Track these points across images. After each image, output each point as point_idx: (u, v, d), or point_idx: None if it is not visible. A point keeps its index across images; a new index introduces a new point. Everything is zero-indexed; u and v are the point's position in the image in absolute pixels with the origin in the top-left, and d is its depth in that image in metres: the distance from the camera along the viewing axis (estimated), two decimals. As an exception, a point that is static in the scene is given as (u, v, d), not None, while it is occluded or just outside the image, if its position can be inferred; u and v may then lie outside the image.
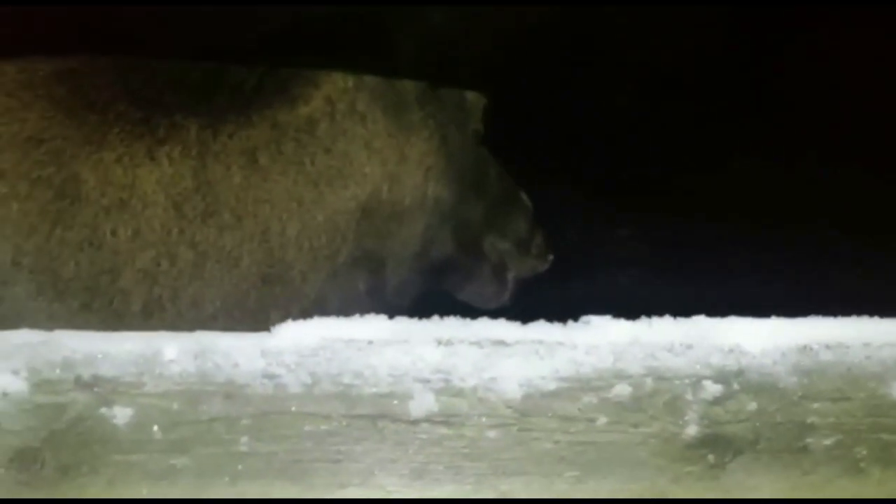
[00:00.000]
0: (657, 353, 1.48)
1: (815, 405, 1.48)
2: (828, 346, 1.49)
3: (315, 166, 2.50)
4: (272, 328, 1.49)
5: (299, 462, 1.45)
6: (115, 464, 1.43)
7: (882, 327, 1.51)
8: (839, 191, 3.36)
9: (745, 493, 1.49)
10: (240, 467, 1.44)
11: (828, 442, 1.49)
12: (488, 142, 2.82)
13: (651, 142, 3.50)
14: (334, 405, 1.45)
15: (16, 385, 1.41)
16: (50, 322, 2.04)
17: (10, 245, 2.27)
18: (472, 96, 2.75)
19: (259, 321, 2.35)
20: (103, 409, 1.42)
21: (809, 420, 1.49)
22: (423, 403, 1.46)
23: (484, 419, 1.46)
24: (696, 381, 1.47)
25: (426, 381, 1.46)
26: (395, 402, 1.46)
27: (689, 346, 1.48)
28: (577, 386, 1.47)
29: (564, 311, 1.56)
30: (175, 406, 1.43)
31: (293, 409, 1.45)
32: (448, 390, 1.46)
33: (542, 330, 1.50)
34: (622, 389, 1.47)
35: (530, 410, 1.47)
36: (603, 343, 1.48)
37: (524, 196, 2.88)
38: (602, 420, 1.47)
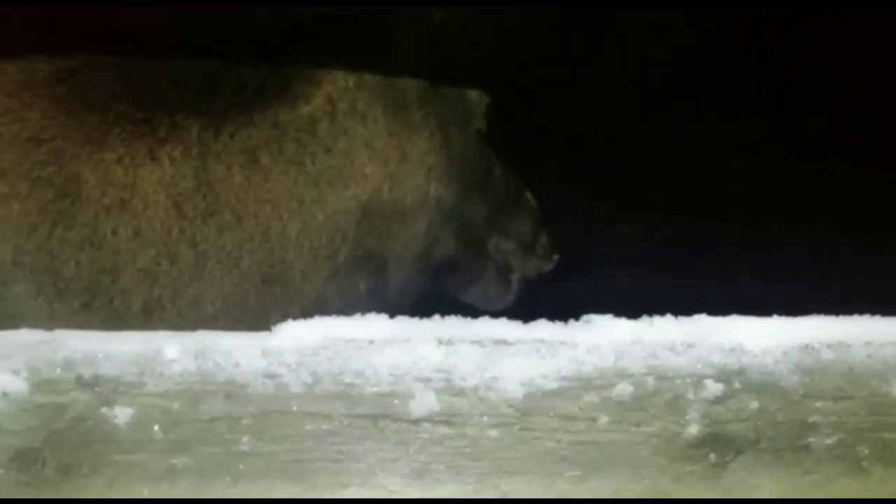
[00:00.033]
0: (659, 352, 1.48)
1: (817, 404, 1.48)
2: (829, 345, 1.49)
3: (316, 166, 2.50)
4: (273, 327, 1.48)
5: (300, 462, 1.45)
6: (115, 464, 1.42)
7: (884, 326, 1.51)
8: (840, 190, 3.36)
9: (747, 492, 1.49)
10: (241, 467, 1.44)
11: (830, 441, 1.49)
12: (490, 141, 2.81)
13: (652, 141, 3.50)
14: (335, 405, 1.45)
15: (16, 385, 1.41)
16: (50, 322, 2.03)
17: (10, 244, 2.27)
18: (474, 95, 2.75)
19: (259, 321, 2.35)
20: (104, 409, 1.42)
21: (811, 419, 1.48)
22: (425, 403, 1.45)
23: (485, 418, 1.46)
24: (698, 381, 1.47)
25: (427, 381, 1.46)
26: (397, 401, 1.45)
27: (691, 345, 1.48)
28: (579, 385, 1.47)
29: (566, 310, 1.56)
30: (176, 406, 1.43)
31: (294, 408, 1.44)
32: (449, 390, 1.46)
33: (543, 329, 1.49)
34: (624, 388, 1.47)
35: (532, 410, 1.46)
36: (604, 342, 1.48)
37: (529, 196, 2.87)
38: (604, 419, 1.47)
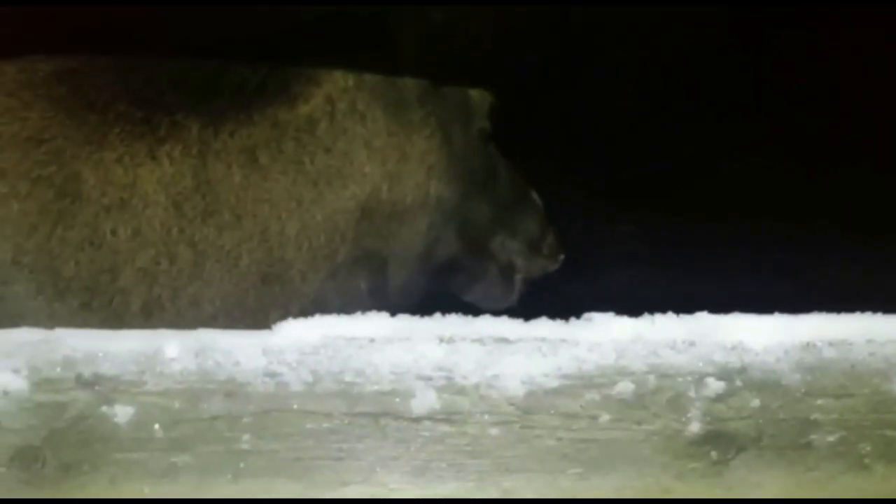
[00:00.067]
0: (660, 350, 1.48)
1: (819, 402, 1.48)
2: (831, 343, 1.49)
3: (315, 166, 2.50)
4: (273, 326, 1.48)
5: (301, 460, 1.45)
6: (116, 462, 1.42)
7: (885, 324, 1.51)
8: (841, 188, 3.36)
9: (749, 489, 1.49)
10: (241, 465, 1.44)
11: (831, 438, 1.49)
12: (495, 141, 2.80)
13: (654, 139, 3.50)
14: (336, 403, 1.45)
15: (16, 384, 1.41)
16: (50, 321, 2.03)
17: (10, 244, 2.26)
18: (477, 94, 2.74)
19: (258, 321, 2.34)
20: (104, 408, 1.42)
21: (813, 417, 1.48)
22: (425, 401, 1.45)
23: (486, 417, 1.46)
24: (699, 378, 1.47)
25: (428, 379, 1.46)
26: (397, 399, 1.45)
27: (692, 343, 1.48)
28: (580, 383, 1.47)
29: (567, 308, 1.56)
30: (176, 404, 1.43)
31: (295, 407, 1.44)
32: (450, 388, 1.46)
33: (544, 327, 1.49)
34: (625, 387, 1.47)
35: (533, 408, 1.46)
36: (605, 340, 1.48)
37: (535, 195, 2.86)
38: (605, 417, 1.47)
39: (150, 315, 2.38)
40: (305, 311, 1.53)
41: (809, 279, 2.75)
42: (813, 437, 1.49)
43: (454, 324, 1.49)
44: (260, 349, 1.45)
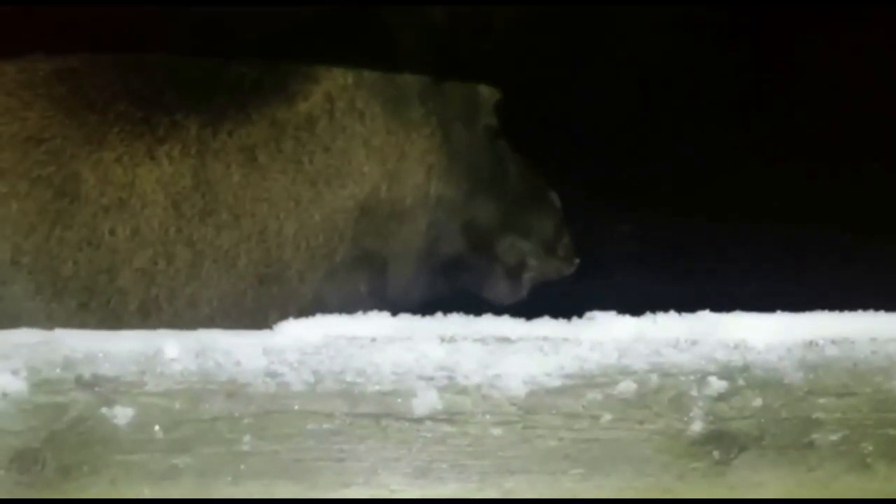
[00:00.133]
0: (662, 349, 1.47)
1: (821, 401, 1.48)
2: (833, 342, 1.48)
3: (313, 165, 2.49)
4: (274, 326, 1.48)
5: (302, 461, 1.44)
6: (116, 464, 1.42)
7: (888, 322, 1.50)
8: (844, 186, 3.36)
9: (751, 489, 1.48)
10: (242, 467, 1.43)
11: (834, 437, 1.48)
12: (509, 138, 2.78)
13: (656, 138, 3.50)
14: (337, 403, 1.44)
15: (15, 385, 1.40)
16: (48, 321, 2.03)
17: (9, 244, 2.26)
18: (484, 91, 2.73)
19: (257, 321, 2.34)
20: (104, 409, 1.41)
21: (815, 416, 1.48)
22: (427, 401, 1.45)
23: (488, 417, 1.46)
24: (701, 378, 1.47)
25: (430, 379, 1.45)
26: (399, 399, 1.45)
27: (694, 342, 1.48)
28: (582, 383, 1.46)
29: (569, 307, 1.56)
30: (177, 405, 1.42)
31: (296, 407, 1.44)
32: (452, 388, 1.45)
33: (546, 326, 1.49)
34: (627, 386, 1.46)
35: (534, 408, 1.46)
36: (607, 339, 1.47)
37: (553, 195, 2.84)
38: (607, 417, 1.46)
39: (148, 315, 2.37)
40: (304, 312, 1.53)
41: (811, 277, 2.75)
42: (815, 436, 1.48)
43: (456, 323, 1.49)
44: (261, 349, 1.44)
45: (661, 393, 1.46)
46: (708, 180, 3.47)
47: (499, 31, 2.70)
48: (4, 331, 1.44)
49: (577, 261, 2.83)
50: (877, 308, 1.53)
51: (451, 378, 1.45)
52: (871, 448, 1.48)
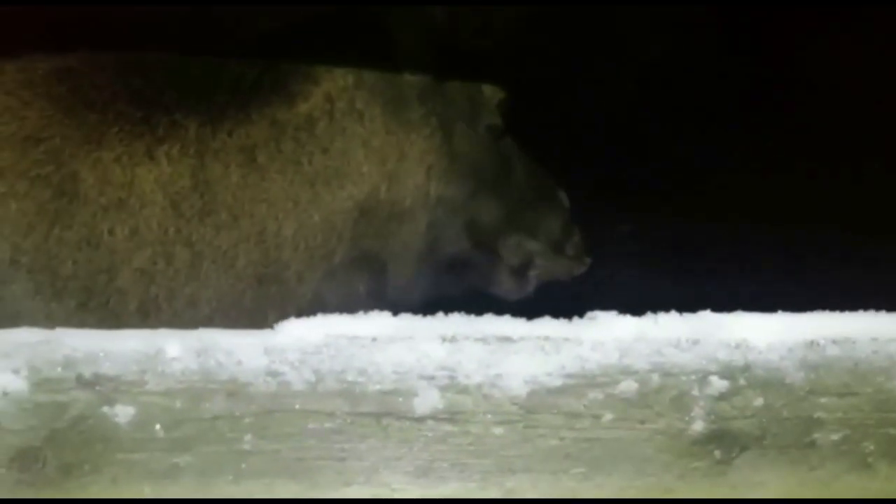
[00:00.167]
0: (663, 348, 1.47)
1: (822, 400, 1.48)
2: (835, 341, 1.49)
3: (312, 166, 2.49)
4: (275, 325, 1.47)
5: (303, 460, 1.44)
6: (117, 463, 1.42)
7: (889, 322, 1.51)
8: (845, 186, 3.36)
9: (752, 489, 1.48)
10: (243, 466, 1.43)
11: (835, 437, 1.48)
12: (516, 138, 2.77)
13: (657, 138, 3.50)
14: (338, 403, 1.44)
15: (16, 384, 1.40)
16: (47, 321, 2.02)
17: (8, 244, 2.25)
18: (487, 90, 2.72)
19: (255, 321, 2.33)
20: (105, 408, 1.41)
21: (816, 415, 1.48)
22: (428, 400, 1.45)
23: (489, 416, 1.46)
24: (703, 377, 1.47)
25: (431, 378, 1.45)
26: (400, 399, 1.45)
27: (696, 342, 1.48)
28: (583, 382, 1.46)
29: (570, 307, 1.56)
30: (177, 404, 1.42)
31: (297, 406, 1.44)
32: (453, 387, 1.45)
33: (547, 326, 1.49)
34: (628, 385, 1.46)
35: (536, 407, 1.46)
36: (609, 339, 1.48)
37: (562, 195, 2.82)
38: (608, 416, 1.47)
39: (147, 315, 2.37)
40: (303, 312, 1.53)
41: (812, 277, 2.75)
42: (816, 435, 1.49)
43: (457, 323, 1.49)
44: (262, 348, 1.44)
45: (663, 392, 1.47)
46: (708, 180, 3.47)
47: (497, 32, 2.70)
48: (5, 330, 1.44)
49: (589, 260, 2.80)
50: (878, 308, 1.53)
51: (452, 377, 1.45)
52: (872, 448, 1.49)
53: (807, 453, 1.48)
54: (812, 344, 1.48)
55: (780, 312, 1.51)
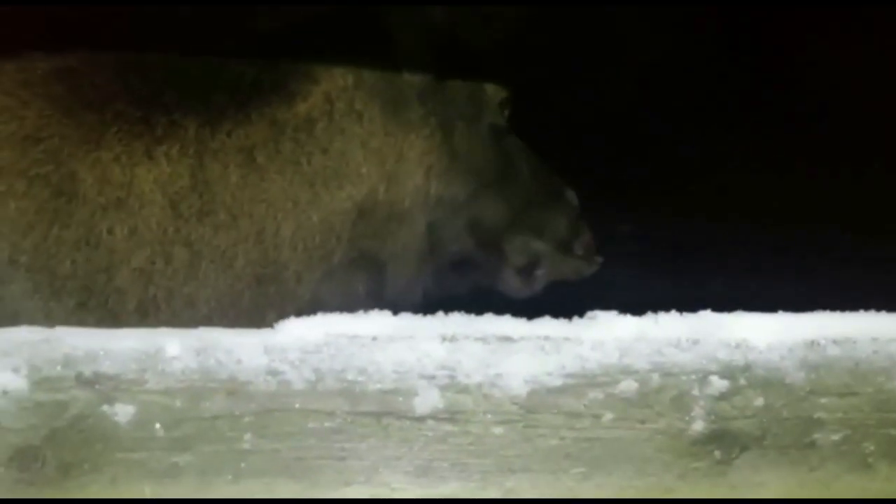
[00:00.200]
0: (663, 348, 1.47)
1: (823, 400, 1.48)
2: (835, 341, 1.49)
3: (311, 166, 2.49)
4: (276, 325, 1.47)
5: (303, 459, 1.44)
6: (116, 462, 1.41)
7: (890, 322, 1.51)
8: (845, 186, 3.36)
9: (752, 489, 1.48)
10: (243, 465, 1.43)
11: (835, 437, 1.48)
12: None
13: (657, 138, 3.50)
14: (338, 402, 1.44)
15: (16, 383, 1.40)
16: (46, 320, 2.01)
17: (7, 243, 2.25)
18: (489, 89, 2.71)
19: (254, 321, 2.33)
20: (105, 407, 1.41)
21: (817, 415, 1.48)
22: (428, 400, 1.45)
23: (489, 416, 1.46)
24: (703, 377, 1.47)
25: (431, 378, 1.45)
26: (400, 398, 1.45)
27: (696, 342, 1.48)
28: (583, 382, 1.46)
29: (570, 307, 1.56)
30: (177, 403, 1.42)
31: (297, 405, 1.44)
32: (453, 387, 1.45)
33: (547, 326, 1.49)
34: (628, 385, 1.46)
35: (536, 407, 1.46)
36: (609, 339, 1.48)
37: (570, 193, 2.81)
38: (608, 416, 1.47)
39: (146, 315, 2.37)
40: (301, 313, 1.53)
41: (813, 277, 2.75)
42: (817, 436, 1.49)
43: (457, 322, 1.49)
44: (262, 348, 1.44)
45: (663, 392, 1.47)
46: (708, 180, 3.47)
47: (496, 31, 2.69)
48: (5, 329, 1.44)
49: (600, 260, 2.78)
50: (878, 308, 1.53)
51: (452, 377, 1.45)
52: (872, 448, 1.49)
53: (807, 453, 1.48)
54: (812, 344, 1.48)
55: (780, 312, 1.52)
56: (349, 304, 2.42)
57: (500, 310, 1.51)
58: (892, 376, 1.48)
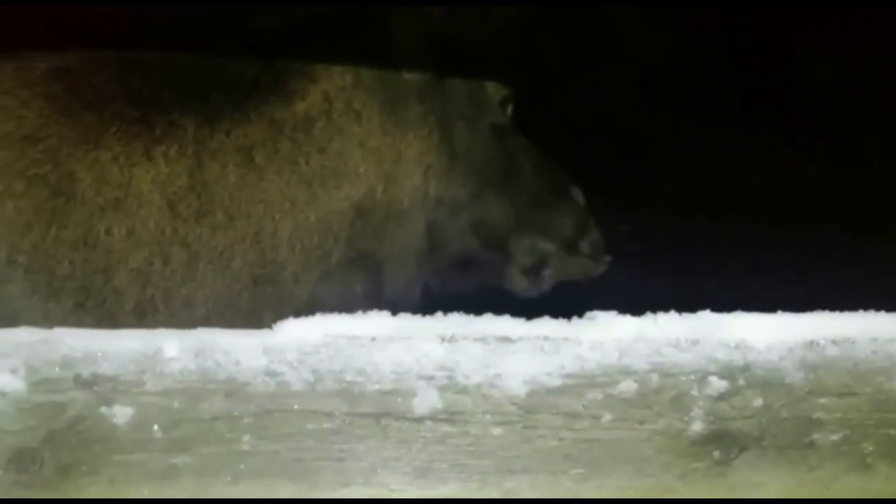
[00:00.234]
0: (663, 349, 1.47)
1: (822, 401, 1.48)
2: (834, 342, 1.48)
3: (309, 166, 2.48)
4: (274, 325, 1.47)
5: (302, 461, 1.44)
6: (115, 463, 1.41)
7: (889, 322, 1.51)
8: (844, 185, 3.36)
9: (751, 489, 1.48)
10: (242, 466, 1.43)
11: (834, 437, 1.48)
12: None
13: (656, 138, 3.50)
14: (337, 403, 1.44)
15: (14, 384, 1.40)
16: (44, 321, 2.01)
17: (5, 243, 2.25)
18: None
19: (252, 322, 2.33)
20: (103, 408, 1.41)
21: (816, 416, 1.48)
22: (427, 401, 1.44)
23: (488, 416, 1.45)
24: (702, 377, 1.47)
25: (430, 379, 1.45)
26: (399, 399, 1.44)
27: (695, 342, 1.47)
28: (583, 382, 1.46)
29: (569, 307, 1.55)
30: (176, 404, 1.42)
31: (295, 406, 1.43)
32: (452, 387, 1.45)
33: (546, 326, 1.49)
34: (627, 386, 1.46)
35: (535, 407, 1.46)
36: (608, 339, 1.47)
37: (576, 192, 2.81)
38: (607, 417, 1.46)
39: (144, 315, 2.37)
40: (299, 313, 1.52)
41: (812, 277, 2.75)
42: (816, 436, 1.48)
43: (456, 323, 1.49)
44: (260, 348, 1.44)
45: (662, 393, 1.46)
46: (708, 180, 3.47)
47: (495, 31, 2.69)
48: (3, 329, 1.44)
49: (609, 259, 2.77)
50: (877, 308, 1.53)
51: (451, 377, 1.45)
52: (871, 448, 1.48)
53: (806, 454, 1.48)
54: (812, 344, 1.48)
55: (779, 312, 1.51)
56: (347, 305, 2.42)
57: (498, 310, 1.51)
58: (892, 376, 1.48)
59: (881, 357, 1.48)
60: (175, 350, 1.43)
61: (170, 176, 2.36)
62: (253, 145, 2.42)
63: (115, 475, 1.41)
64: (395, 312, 1.50)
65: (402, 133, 2.56)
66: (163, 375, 1.42)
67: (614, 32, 3.45)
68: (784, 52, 3.55)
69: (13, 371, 1.40)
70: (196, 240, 2.39)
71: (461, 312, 1.50)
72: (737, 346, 1.47)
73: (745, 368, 1.47)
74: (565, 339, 1.46)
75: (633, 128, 3.50)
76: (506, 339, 1.46)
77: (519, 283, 2.74)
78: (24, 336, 1.43)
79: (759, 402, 1.47)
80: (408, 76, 2.56)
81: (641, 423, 1.47)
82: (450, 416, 1.45)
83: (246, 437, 1.42)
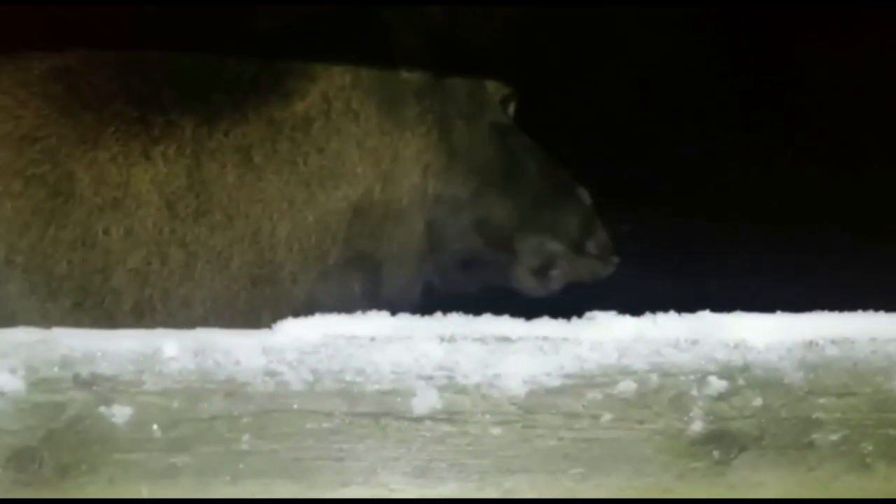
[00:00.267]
0: (662, 349, 1.47)
1: (821, 400, 1.48)
2: (834, 342, 1.48)
3: (308, 166, 2.48)
4: (273, 325, 1.47)
5: (301, 460, 1.44)
6: (114, 463, 1.41)
7: (889, 322, 1.51)
8: (844, 186, 3.36)
9: (751, 489, 1.48)
10: (241, 466, 1.43)
11: (834, 437, 1.48)
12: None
13: (656, 138, 3.50)
14: (336, 403, 1.44)
15: (13, 384, 1.40)
16: (43, 321, 2.00)
17: (3, 243, 2.25)
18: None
19: (250, 322, 2.33)
20: (102, 408, 1.41)
21: (815, 415, 1.48)
22: (427, 401, 1.44)
23: (488, 416, 1.45)
24: (702, 377, 1.47)
25: (429, 378, 1.45)
26: (398, 399, 1.44)
27: (695, 342, 1.47)
28: (582, 382, 1.46)
29: (569, 307, 1.55)
30: (175, 404, 1.42)
31: (295, 406, 1.43)
32: (451, 387, 1.45)
33: (546, 326, 1.48)
34: (627, 386, 1.46)
35: (534, 407, 1.46)
36: (607, 339, 1.47)
37: (582, 192, 2.79)
38: (607, 417, 1.46)
39: (142, 315, 2.37)
40: (297, 313, 1.52)
41: (812, 277, 2.75)
42: (815, 436, 1.48)
43: (455, 323, 1.48)
44: (260, 348, 1.44)
45: (662, 393, 1.46)
46: (708, 180, 3.47)
47: (495, 30, 2.69)
48: (2, 329, 1.44)
49: (617, 260, 2.75)
50: (877, 308, 1.53)
51: (450, 377, 1.45)
52: (871, 448, 1.48)
53: (805, 454, 1.48)
54: (811, 344, 1.48)
55: (779, 312, 1.51)
56: (345, 305, 2.42)
57: (498, 310, 1.51)
58: (891, 376, 1.48)
59: (880, 357, 1.48)
60: (174, 350, 1.43)
61: (168, 176, 2.36)
62: (251, 145, 2.42)
63: (115, 474, 1.41)
64: (394, 312, 1.50)
65: (400, 132, 2.55)
66: (162, 375, 1.42)
67: (614, 32, 3.45)
68: (784, 52, 3.55)
69: (12, 371, 1.40)
70: (194, 240, 2.39)
71: (460, 312, 1.50)
72: (736, 346, 1.47)
73: (745, 368, 1.47)
74: (565, 339, 1.46)
75: (633, 128, 3.50)
76: (505, 340, 1.46)
77: (527, 284, 2.72)
78: (22, 336, 1.42)
79: (758, 402, 1.47)
80: (406, 75, 2.56)
81: (641, 422, 1.47)
82: (449, 415, 1.45)
83: (245, 437, 1.42)
